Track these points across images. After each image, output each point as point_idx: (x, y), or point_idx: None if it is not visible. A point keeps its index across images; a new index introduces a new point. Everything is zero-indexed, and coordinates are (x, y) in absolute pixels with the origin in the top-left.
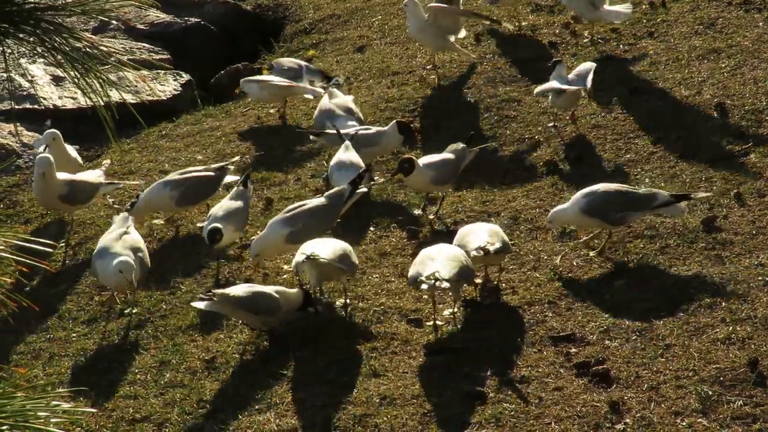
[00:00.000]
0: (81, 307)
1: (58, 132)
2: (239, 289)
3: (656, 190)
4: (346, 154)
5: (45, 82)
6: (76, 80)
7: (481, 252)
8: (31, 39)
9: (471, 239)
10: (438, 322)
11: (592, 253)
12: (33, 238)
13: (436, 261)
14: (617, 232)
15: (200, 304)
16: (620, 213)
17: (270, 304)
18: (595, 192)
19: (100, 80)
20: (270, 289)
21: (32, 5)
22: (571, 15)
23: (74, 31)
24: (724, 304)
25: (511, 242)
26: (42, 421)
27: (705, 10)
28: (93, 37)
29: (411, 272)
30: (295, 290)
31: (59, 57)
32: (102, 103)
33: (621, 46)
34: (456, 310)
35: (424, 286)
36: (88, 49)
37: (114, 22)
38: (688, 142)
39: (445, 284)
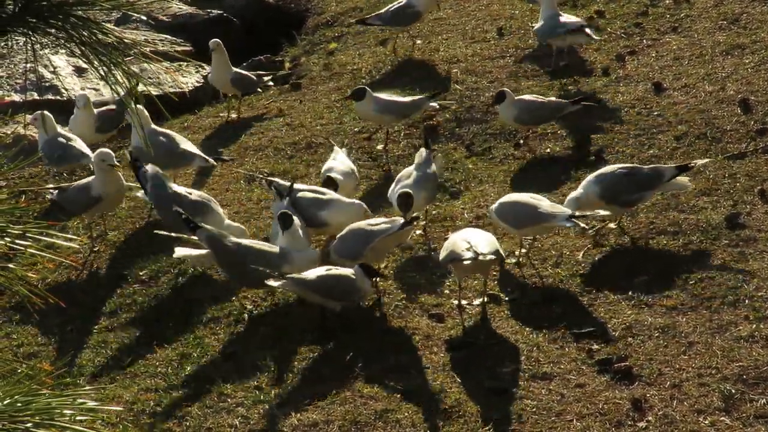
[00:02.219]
0: (102, 300)
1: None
2: (313, 273)
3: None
4: (337, 160)
5: (67, 73)
6: (104, 75)
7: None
8: (60, 34)
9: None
10: (463, 301)
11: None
12: (58, 234)
13: (472, 240)
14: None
15: (274, 282)
16: (635, 194)
17: (348, 288)
18: (605, 175)
19: (128, 75)
20: (346, 270)
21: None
22: (594, 9)
23: (102, 25)
24: (747, 301)
25: (532, 238)
26: (67, 418)
27: (729, 5)
28: (116, 28)
29: (443, 254)
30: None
31: (87, 52)
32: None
33: (644, 40)
34: (485, 299)
35: (467, 255)
36: (115, 44)
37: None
38: (711, 138)
39: (490, 256)
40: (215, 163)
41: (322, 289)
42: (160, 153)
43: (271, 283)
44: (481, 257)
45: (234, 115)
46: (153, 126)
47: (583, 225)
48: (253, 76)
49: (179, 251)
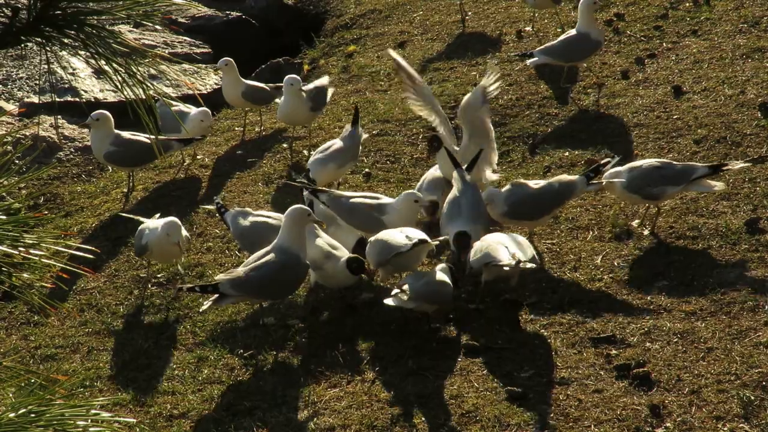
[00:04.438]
0: (120, 302)
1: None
2: (423, 281)
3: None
4: None
5: (86, 75)
6: (118, 85)
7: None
8: (76, 43)
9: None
10: (480, 306)
11: (646, 232)
12: (73, 243)
13: (509, 245)
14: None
15: (391, 302)
16: (658, 187)
17: (450, 291)
18: (637, 168)
19: (143, 86)
20: (442, 274)
21: (76, 9)
22: (614, 12)
23: (117, 34)
24: (767, 307)
25: (552, 242)
26: (80, 430)
27: (749, 8)
28: (135, 30)
29: (477, 256)
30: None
31: (102, 62)
32: (144, 106)
33: (664, 44)
34: (513, 295)
35: (506, 268)
36: (130, 51)
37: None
38: (731, 142)
39: (530, 264)
40: (196, 141)
41: (432, 296)
42: (140, 150)
43: (388, 302)
44: (522, 264)
45: (257, 128)
46: (117, 131)
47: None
48: (266, 88)
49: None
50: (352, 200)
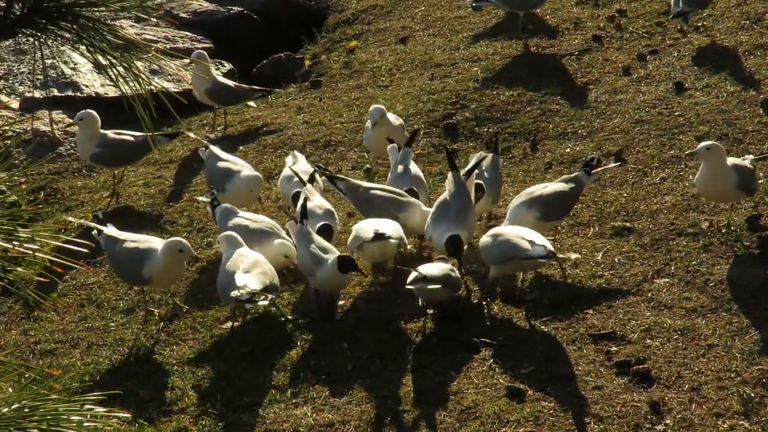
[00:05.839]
0: (120, 297)
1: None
2: (437, 269)
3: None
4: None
5: (87, 70)
6: (114, 78)
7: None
8: (70, 36)
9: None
10: (483, 303)
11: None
12: (70, 239)
13: (531, 236)
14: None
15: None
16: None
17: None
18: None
19: (140, 79)
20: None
21: (70, 1)
22: (616, 8)
23: (113, 26)
24: (767, 304)
25: (553, 238)
26: (75, 425)
27: (752, 5)
28: (137, 25)
29: (499, 249)
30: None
31: (98, 56)
32: (141, 100)
33: (666, 40)
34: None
35: (542, 260)
36: (126, 45)
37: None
38: (733, 139)
39: (574, 255)
40: (181, 135)
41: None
42: (126, 149)
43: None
44: (565, 257)
45: (220, 129)
46: (103, 131)
47: None
48: (232, 86)
49: None
50: (372, 191)
